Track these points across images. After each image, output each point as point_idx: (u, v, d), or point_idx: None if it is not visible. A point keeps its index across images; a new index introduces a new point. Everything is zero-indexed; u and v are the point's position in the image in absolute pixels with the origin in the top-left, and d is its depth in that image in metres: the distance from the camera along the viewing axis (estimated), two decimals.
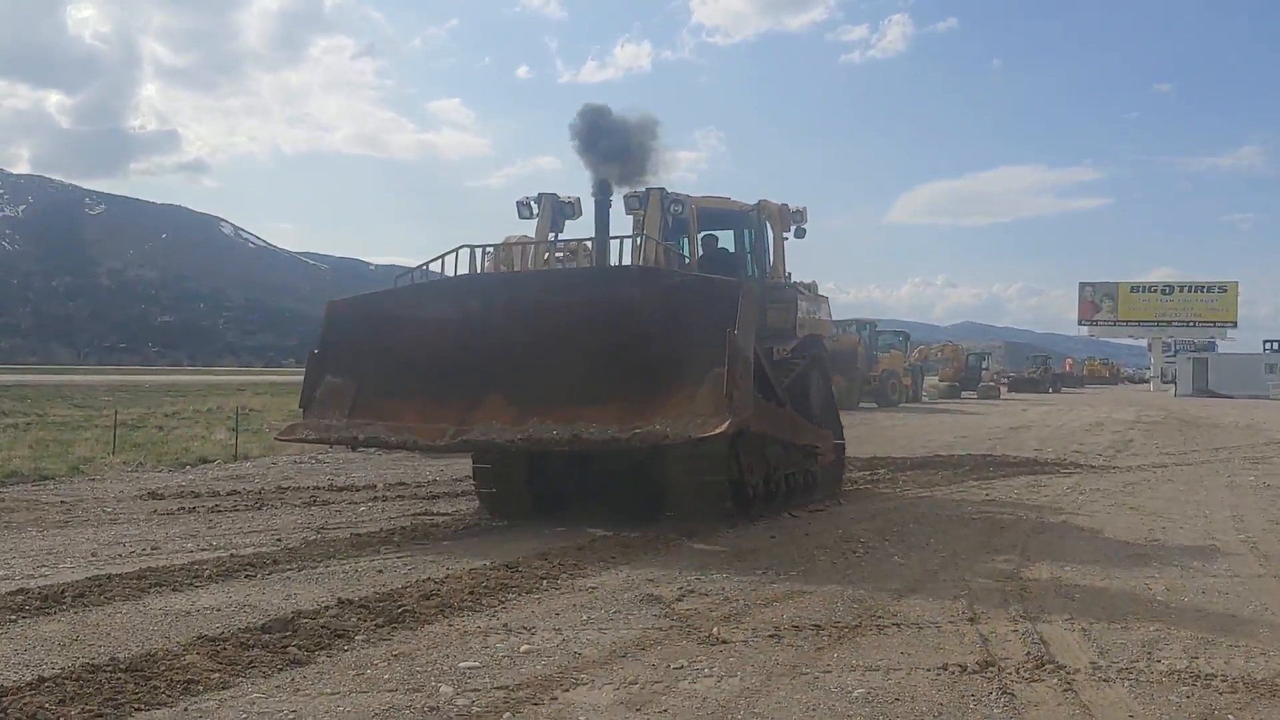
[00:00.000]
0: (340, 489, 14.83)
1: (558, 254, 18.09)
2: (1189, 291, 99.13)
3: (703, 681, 5.89)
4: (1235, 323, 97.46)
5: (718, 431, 9.50)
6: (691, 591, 8.09)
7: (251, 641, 6.33)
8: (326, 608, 7.23)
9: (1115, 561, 9.80)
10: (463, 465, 17.41)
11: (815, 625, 7.15)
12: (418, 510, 12.63)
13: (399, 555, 9.48)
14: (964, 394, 62.95)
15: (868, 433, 27.03)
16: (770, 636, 6.84)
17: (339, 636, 6.54)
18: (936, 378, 67.71)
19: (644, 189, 12.83)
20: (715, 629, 6.95)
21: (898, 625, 7.24)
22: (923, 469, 18.38)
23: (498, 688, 5.68)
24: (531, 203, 13.02)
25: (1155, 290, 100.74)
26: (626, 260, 12.16)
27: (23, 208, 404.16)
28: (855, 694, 5.74)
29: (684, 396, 9.81)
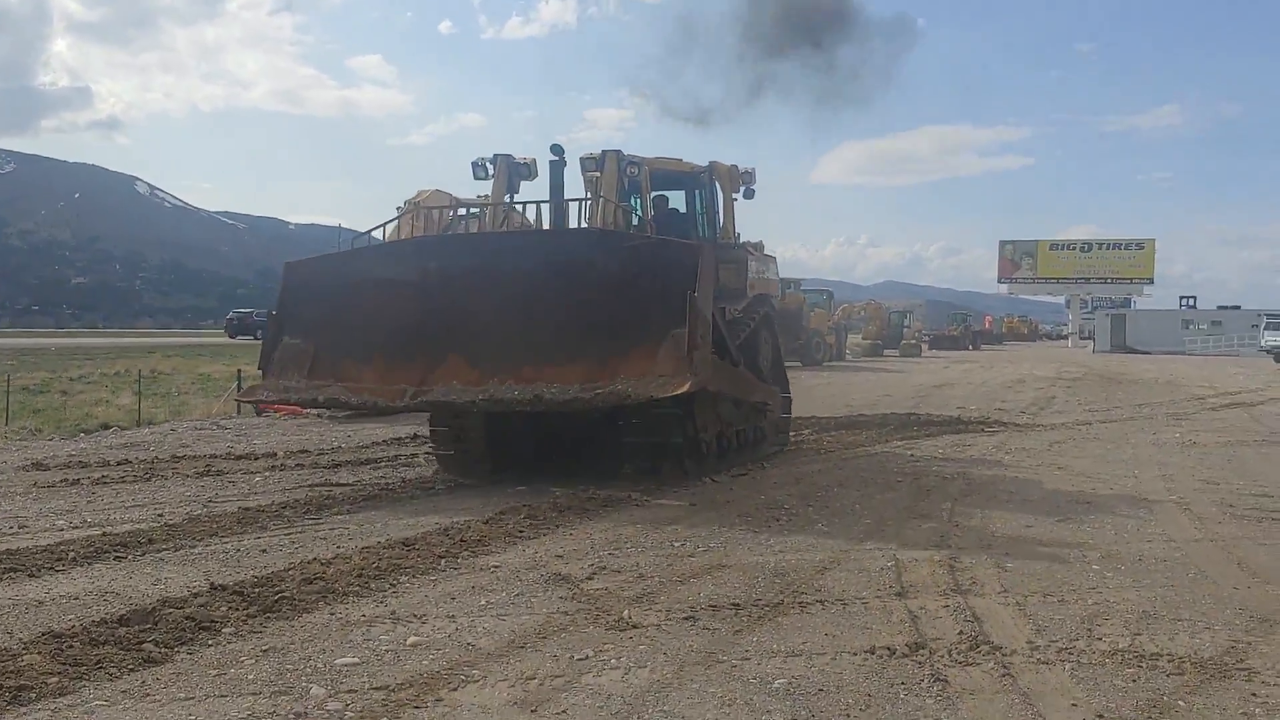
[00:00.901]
0: (239, 457, 14.03)
1: (472, 211, 17.49)
2: (1107, 249, 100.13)
3: (608, 674, 5.32)
4: (1152, 279, 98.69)
5: (679, 391, 9.73)
6: (603, 569, 7.51)
7: (104, 637, 5.64)
8: (196, 595, 6.53)
9: (1047, 527, 9.39)
10: (369, 431, 16.77)
11: (734, 604, 6.61)
12: (317, 480, 11.89)
13: (288, 532, 8.78)
14: (886, 352, 62.96)
15: (793, 393, 26.56)
16: (685, 619, 6.29)
17: (204, 629, 5.86)
18: (859, 336, 67.71)
19: (600, 151, 13.09)
20: (626, 611, 6.38)
21: (822, 602, 6.72)
22: (847, 429, 17.99)
23: (376, 688, 5.06)
24: (486, 164, 13.00)
25: (1074, 248, 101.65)
26: (579, 221, 12.41)
27: None
28: (775, 685, 5.20)
29: (644, 357, 10.00)
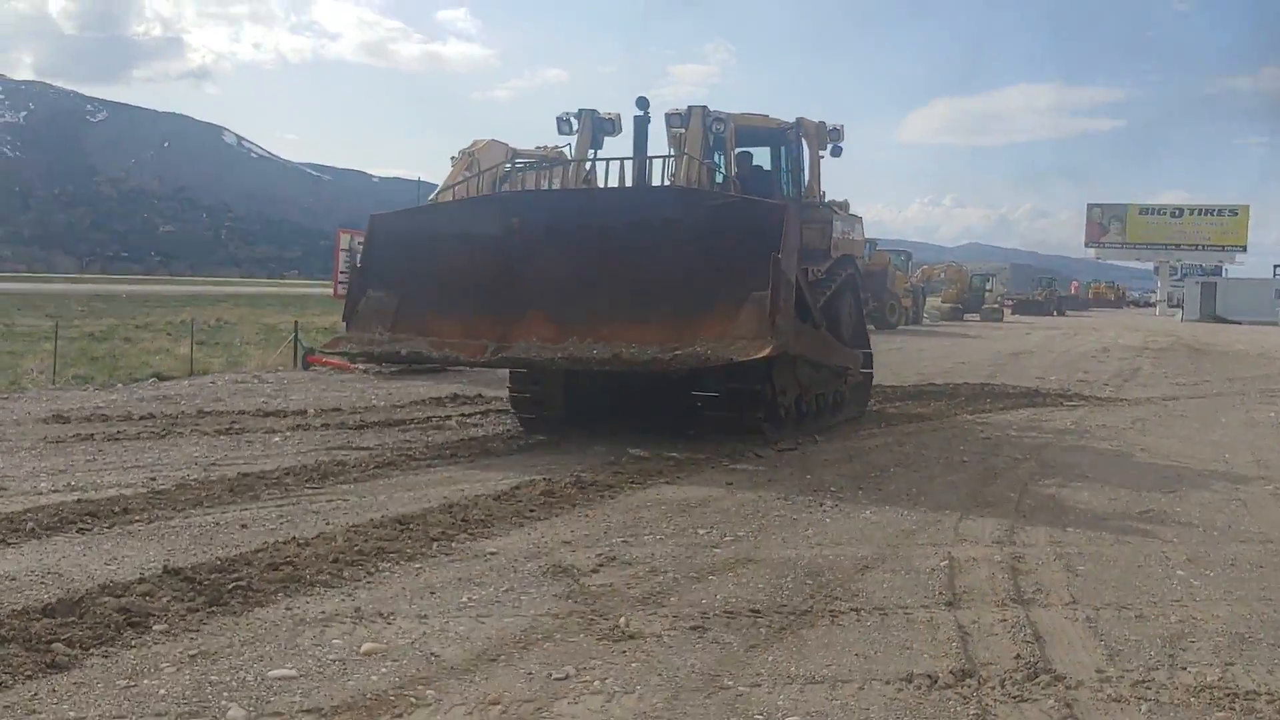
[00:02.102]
0: (267, 414, 13.36)
1: (523, 161, 16.87)
2: (1198, 214, 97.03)
3: (587, 700, 4.46)
4: (1245, 247, 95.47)
5: (760, 356, 9.59)
6: (613, 559, 6.63)
7: (13, 632, 4.85)
8: (143, 580, 5.74)
9: (1127, 521, 8.36)
10: (411, 390, 16.08)
11: (754, 610, 5.71)
12: (338, 443, 11.16)
13: (280, 504, 8.00)
14: (966, 316, 61.37)
15: None
16: (693, 628, 5.40)
17: (134, 624, 5.07)
18: (939, 299, 66.09)
19: (686, 107, 12.80)
20: (626, 616, 5.50)
21: (857, 611, 5.80)
22: (914, 399, 16.93)
23: (306, 710, 4.25)
24: (571, 118, 12.89)
25: (1164, 213, 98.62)
26: (663, 179, 12.31)
27: (24, 114, 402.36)
28: None
29: (725, 318, 9.85)
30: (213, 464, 9.74)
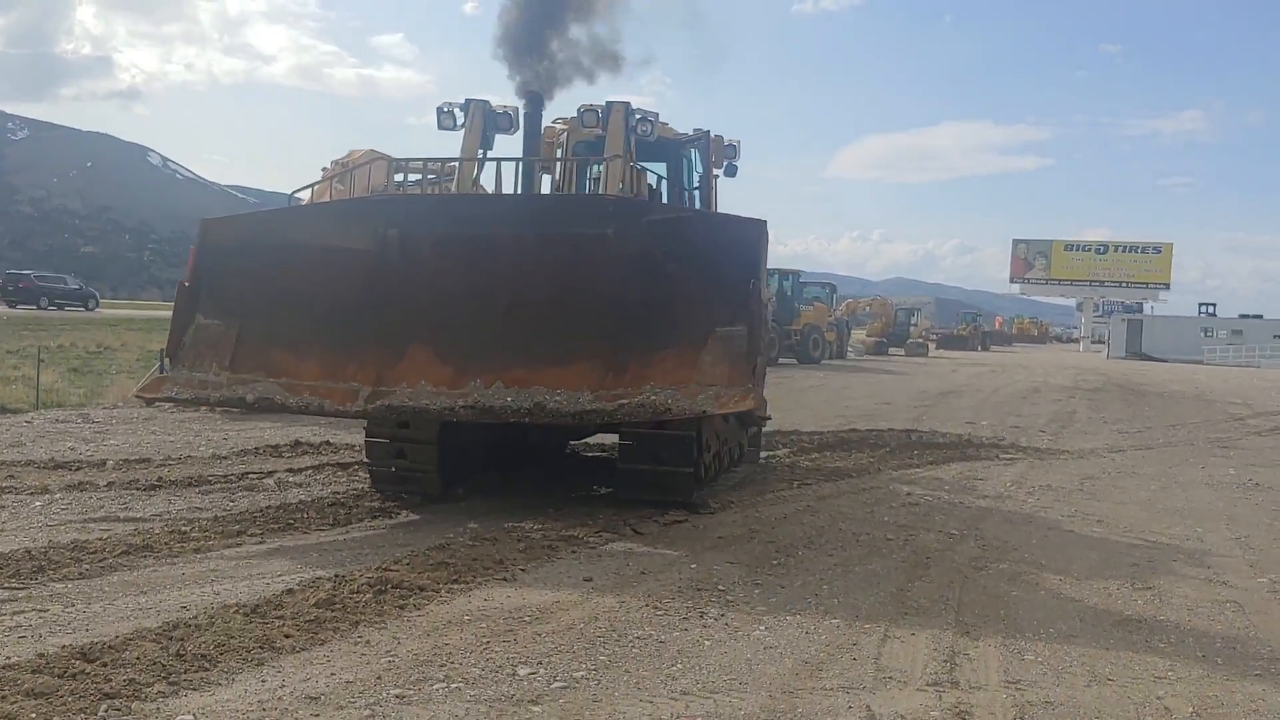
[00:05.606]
0: (57, 466, 11.01)
1: (414, 176, 14.54)
2: (1123, 252, 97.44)
3: None
4: (1169, 284, 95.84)
5: (740, 408, 8.13)
6: None
7: None
8: None
9: (1100, 640, 6.32)
10: (255, 433, 13.85)
11: None
12: (108, 510, 8.82)
13: None
14: (891, 350, 60.10)
15: (781, 395, 23.01)
16: None
17: None
18: (864, 332, 64.91)
19: (605, 102, 10.89)
20: None
21: None
22: (834, 449, 14.91)
23: None
24: (456, 110, 10.68)
25: (1089, 249, 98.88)
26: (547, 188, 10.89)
27: None
28: None
29: (681, 361, 8.19)
30: None
